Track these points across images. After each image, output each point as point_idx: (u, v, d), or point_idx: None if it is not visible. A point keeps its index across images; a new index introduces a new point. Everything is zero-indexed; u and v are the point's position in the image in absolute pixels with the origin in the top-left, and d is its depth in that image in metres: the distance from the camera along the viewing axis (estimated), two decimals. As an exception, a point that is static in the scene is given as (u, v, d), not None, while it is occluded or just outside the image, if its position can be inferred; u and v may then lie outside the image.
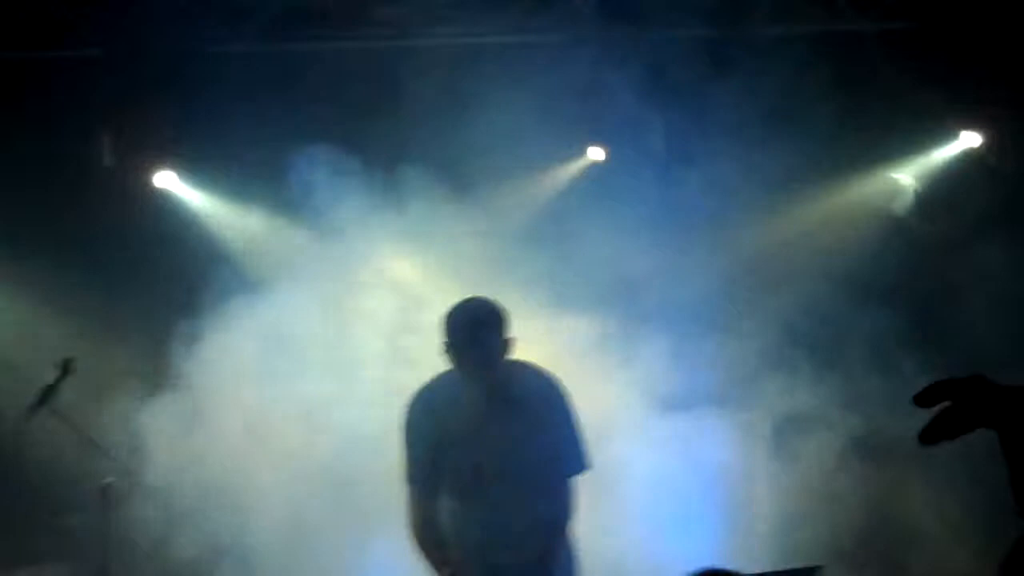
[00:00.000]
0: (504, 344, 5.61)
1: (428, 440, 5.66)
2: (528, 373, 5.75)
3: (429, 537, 5.64)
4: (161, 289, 7.68)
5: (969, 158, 8.29)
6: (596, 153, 8.37)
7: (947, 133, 8.39)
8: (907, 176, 8.26)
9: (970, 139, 8.38)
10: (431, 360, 5.84)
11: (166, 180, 8.29)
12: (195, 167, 8.12)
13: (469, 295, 5.78)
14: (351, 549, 6.63)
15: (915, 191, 8.22)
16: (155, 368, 7.22)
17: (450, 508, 5.65)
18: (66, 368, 5.98)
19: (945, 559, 6.72)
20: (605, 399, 6.83)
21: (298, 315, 7.41)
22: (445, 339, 5.60)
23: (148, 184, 8.23)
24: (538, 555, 5.56)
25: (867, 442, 7.26)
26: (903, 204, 8.19)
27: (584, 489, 5.69)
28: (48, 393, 5.90)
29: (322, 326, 7.40)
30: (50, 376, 5.91)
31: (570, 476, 5.67)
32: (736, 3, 8.06)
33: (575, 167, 8.40)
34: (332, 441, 7.05)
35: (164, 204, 8.13)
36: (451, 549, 5.62)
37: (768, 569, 6.06)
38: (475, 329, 5.58)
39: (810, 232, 8.08)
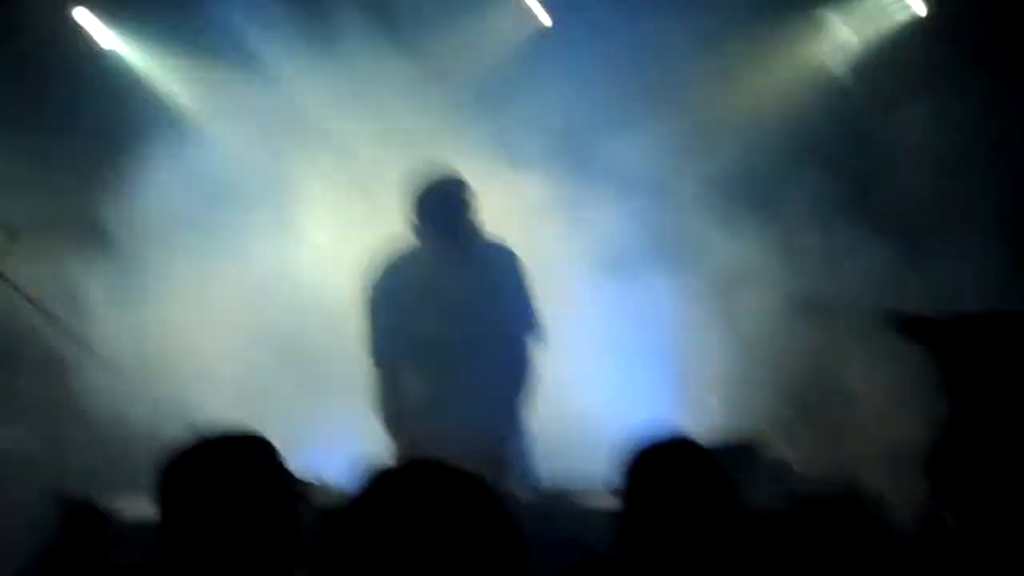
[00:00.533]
0: (474, 216, 5.73)
1: (392, 314, 5.76)
2: (488, 243, 5.87)
3: (392, 410, 5.76)
4: (87, 135, 7.35)
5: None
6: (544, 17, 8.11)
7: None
8: (845, 29, 8.20)
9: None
10: (381, 226, 5.83)
11: (82, 16, 7.87)
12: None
13: (430, 168, 5.82)
14: (301, 415, 6.60)
15: (851, 47, 8.18)
16: (91, 227, 6.97)
17: (413, 376, 5.79)
18: (12, 237, 5.79)
19: (882, 425, 6.93)
20: (553, 261, 6.81)
21: (238, 165, 7.19)
22: (417, 221, 5.65)
23: (65, 20, 7.79)
24: (497, 422, 5.70)
25: (808, 302, 7.37)
26: (841, 61, 8.18)
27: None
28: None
29: (264, 178, 7.19)
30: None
31: (526, 340, 5.84)
32: None
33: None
34: (279, 308, 6.98)
35: (81, 43, 7.74)
36: (411, 418, 5.66)
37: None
38: (453, 215, 5.66)
39: (750, 92, 8.03)
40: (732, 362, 7.19)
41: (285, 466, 2.83)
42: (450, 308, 5.68)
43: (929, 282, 6.88)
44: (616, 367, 7.12)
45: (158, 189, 6.99)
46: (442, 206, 5.67)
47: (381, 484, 2.30)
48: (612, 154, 7.31)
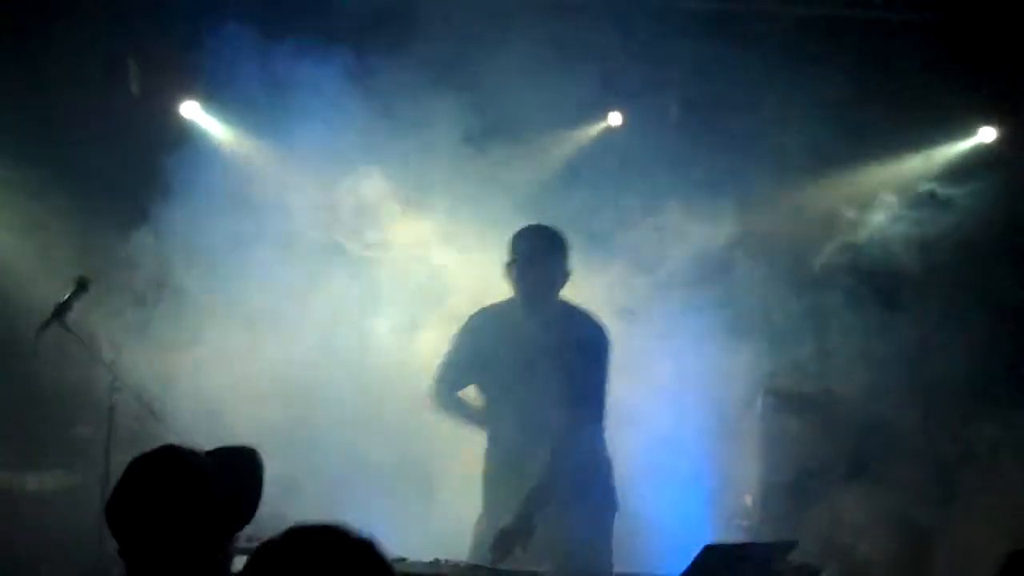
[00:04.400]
0: (564, 275, 5.82)
1: (470, 352, 5.98)
2: (581, 316, 5.93)
3: (450, 404, 6.09)
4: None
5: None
6: (615, 118, 8.48)
7: (964, 127, 8.47)
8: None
9: (987, 134, 8.46)
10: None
11: (191, 110, 8.42)
12: (219, 98, 8.12)
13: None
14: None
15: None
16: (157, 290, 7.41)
17: (493, 420, 5.97)
18: (81, 285, 6.13)
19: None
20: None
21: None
22: (511, 256, 5.82)
23: (174, 114, 8.37)
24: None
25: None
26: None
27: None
28: (61, 309, 6.04)
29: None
30: (64, 293, 6.06)
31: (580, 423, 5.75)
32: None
33: (593, 131, 8.51)
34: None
35: (188, 135, 8.17)
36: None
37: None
38: (542, 249, 5.79)
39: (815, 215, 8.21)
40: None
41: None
42: (525, 363, 5.77)
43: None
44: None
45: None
46: (535, 237, 5.82)
47: (265, 554, 2.44)
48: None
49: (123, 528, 3.10)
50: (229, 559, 3.19)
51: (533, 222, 5.94)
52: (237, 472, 3.24)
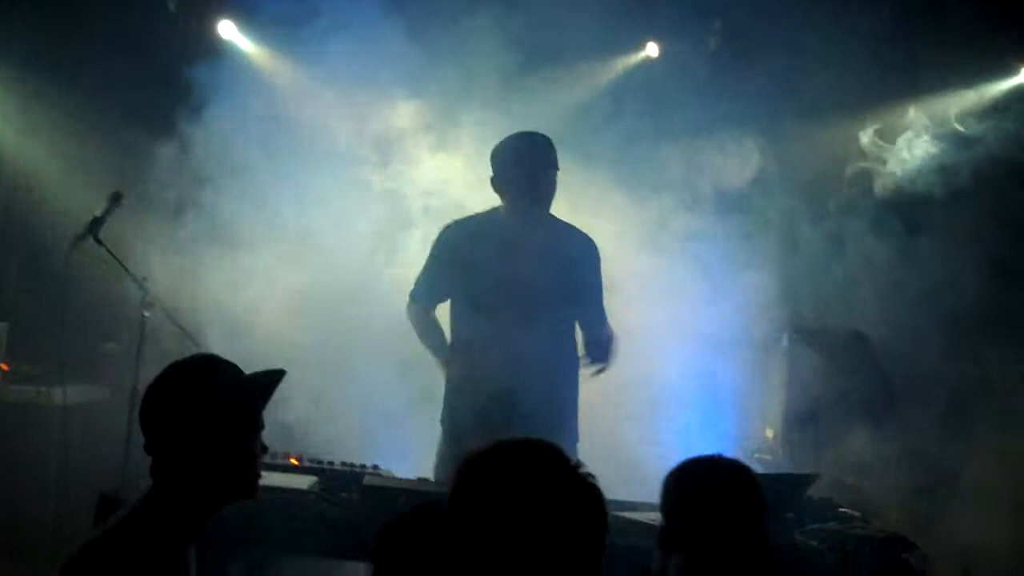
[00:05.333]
0: (555, 183, 5.74)
1: (448, 269, 5.83)
2: (571, 229, 5.92)
3: (425, 322, 5.93)
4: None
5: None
6: (651, 49, 8.43)
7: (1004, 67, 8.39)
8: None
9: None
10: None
11: (227, 29, 8.43)
12: (255, 19, 8.11)
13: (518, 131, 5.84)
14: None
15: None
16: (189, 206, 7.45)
17: (467, 330, 5.82)
18: (115, 200, 6.15)
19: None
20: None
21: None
22: (500, 172, 5.70)
23: (211, 32, 8.38)
24: (544, 387, 5.64)
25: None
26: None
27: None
28: (96, 224, 6.08)
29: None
30: (99, 208, 6.10)
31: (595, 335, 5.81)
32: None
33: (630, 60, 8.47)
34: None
35: (224, 52, 8.18)
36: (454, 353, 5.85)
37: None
38: (539, 164, 5.68)
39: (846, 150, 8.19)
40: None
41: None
42: (521, 269, 5.66)
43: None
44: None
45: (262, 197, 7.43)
46: (528, 153, 5.68)
47: (470, 468, 2.47)
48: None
49: (153, 422, 3.19)
50: (256, 459, 3.29)
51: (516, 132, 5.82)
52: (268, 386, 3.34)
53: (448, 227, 5.94)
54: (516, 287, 5.61)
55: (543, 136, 5.76)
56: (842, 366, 7.57)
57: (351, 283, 7.38)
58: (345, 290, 7.34)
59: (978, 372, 7.13)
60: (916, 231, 7.68)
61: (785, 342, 7.80)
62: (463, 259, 5.75)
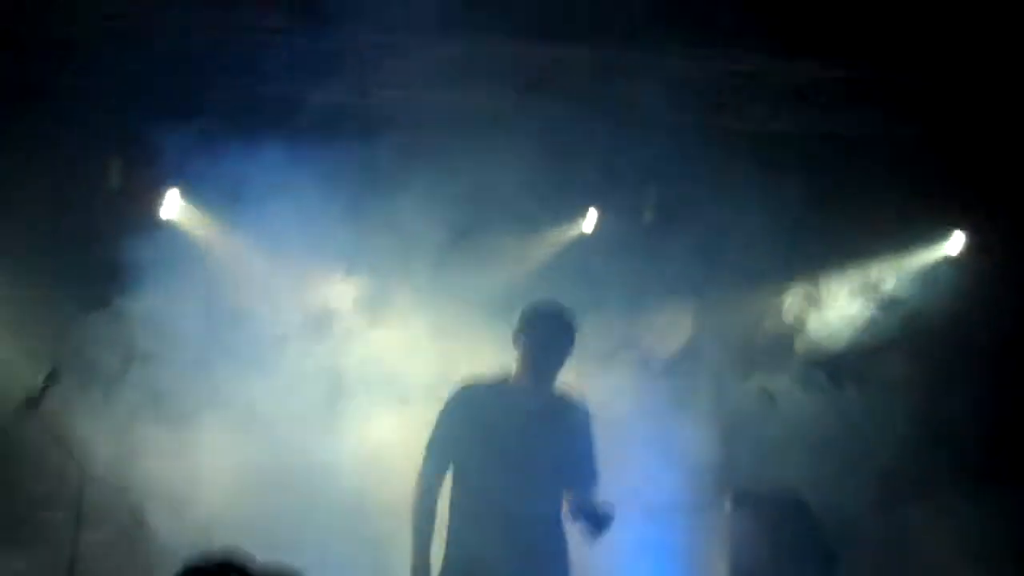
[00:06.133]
0: (565, 361, 5.85)
1: (455, 433, 5.85)
2: (572, 397, 6.01)
3: (425, 506, 5.82)
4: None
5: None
6: (587, 223, 8.55)
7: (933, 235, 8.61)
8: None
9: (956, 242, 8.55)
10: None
11: (172, 204, 8.35)
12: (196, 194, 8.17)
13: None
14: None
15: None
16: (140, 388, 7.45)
17: (462, 497, 5.83)
18: (52, 378, 6.20)
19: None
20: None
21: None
22: (523, 329, 5.80)
23: (154, 208, 8.36)
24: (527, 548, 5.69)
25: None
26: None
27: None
28: (35, 400, 6.09)
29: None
30: (38, 382, 6.11)
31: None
32: (741, 97, 8.23)
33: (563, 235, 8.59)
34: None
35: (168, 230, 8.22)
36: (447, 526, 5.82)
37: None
38: (561, 330, 5.81)
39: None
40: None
41: None
42: (522, 445, 5.74)
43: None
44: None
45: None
46: (554, 317, 5.82)
47: None
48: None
49: None
50: None
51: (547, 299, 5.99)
52: None
53: (461, 388, 5.97)
54: (515, 461, 5.71)
55: (568, 313, 5.89)
56: (783, 537, 7.61)
57: (295, 457, 7.36)
58: (290, 464, 7.31)
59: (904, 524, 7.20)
60: (842, 387, 7.83)
61: (728, 507, 7.83)
62: (468, 427, 5.82)
